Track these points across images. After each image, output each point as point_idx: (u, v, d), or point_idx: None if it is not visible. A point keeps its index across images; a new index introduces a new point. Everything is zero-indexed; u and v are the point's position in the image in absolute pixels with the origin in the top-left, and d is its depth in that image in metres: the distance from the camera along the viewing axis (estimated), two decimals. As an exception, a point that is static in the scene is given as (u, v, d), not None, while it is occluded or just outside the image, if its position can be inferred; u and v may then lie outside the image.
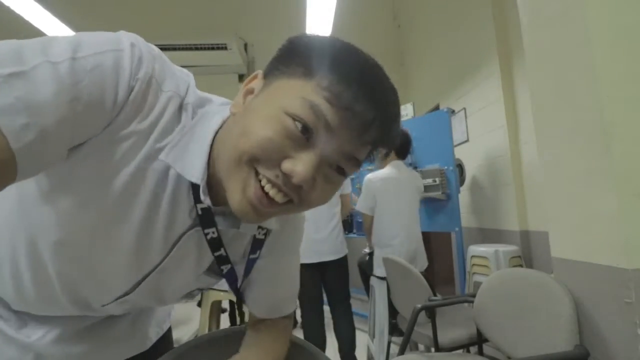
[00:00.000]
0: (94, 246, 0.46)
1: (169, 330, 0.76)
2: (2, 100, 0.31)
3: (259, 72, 0.45)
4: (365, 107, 0.39)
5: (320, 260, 2.14)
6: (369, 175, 2.33)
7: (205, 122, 0.46)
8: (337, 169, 0.42)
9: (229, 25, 4.54)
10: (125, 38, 0.41)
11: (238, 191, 0.41)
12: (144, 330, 0.68)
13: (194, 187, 0.45)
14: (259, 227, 0.55)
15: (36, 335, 0.55)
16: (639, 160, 0.91)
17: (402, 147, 2.33)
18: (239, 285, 0.59)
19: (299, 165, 0.39)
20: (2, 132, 0.31)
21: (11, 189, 0.44)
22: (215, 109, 0.48)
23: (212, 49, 4.18)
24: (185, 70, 0.48)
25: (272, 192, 0.40)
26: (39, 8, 3.42)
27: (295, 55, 0.42)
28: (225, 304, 2.55)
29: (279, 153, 0.39)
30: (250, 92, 0.45)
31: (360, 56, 0.42)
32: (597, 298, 0.99)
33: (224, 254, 0.52)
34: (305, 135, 0.39)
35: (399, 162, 2.35)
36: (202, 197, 0.44)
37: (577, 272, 1.04)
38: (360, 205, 2.33)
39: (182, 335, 2.99)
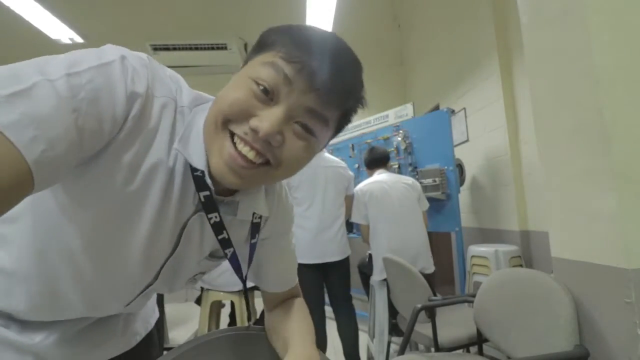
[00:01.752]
0: (114, 247, 0.49)
1: (155, 327, 0.79)
2: (8, 117, 0.33)
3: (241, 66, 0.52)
4: (312, 57, 0.44)
5: (324, 261, 2.14)
6: (357, 186, 2.40)
7: (200, 115, 0.50)
8: (305, 128, 0.46)
9: (229, 25, 4.54)
10: (114, 51, 0.43)
11: (216, 155, 0.45)
12: (133, 327, 0.71)
13: (195, 177, 0.49)
14: (254, 214, 0.59)
15: (39, 337, 0.57)
16: (639, 160, 0.91)
17: (372, 161, 2.49)
18: (244, 273, 0.63)
19: (264, 120, 0.43)
20: (15, 146, 0.33)
21: (25, 209, 0.48)
22: (208, 104, 0.52)
23: (212, 49, 4.18)
24: (173, 72, 0.52)
25: (244, 150, 0.44)
26: (39, 8, 3.42)
27: (261, 41, 0.48)
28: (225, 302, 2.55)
29: (247, 111, 0.44)
30: None
31: (314, 28, 0.48)
32: (597, 298, 0.99)
33: (227, 236, 0.56)
34: (268, 96, 0.44)
35: (384, 170, 2.46)
36: (207, 180, 0.48)
37: (577, 272, 1.04)
38: (354, 216, 2.37)
39: (182, 335, 2.99)
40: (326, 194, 2.21)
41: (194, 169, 0.48)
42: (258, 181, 0.49)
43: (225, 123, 0.44)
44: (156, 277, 0.56)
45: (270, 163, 0.46)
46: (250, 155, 0.44)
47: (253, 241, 0.61)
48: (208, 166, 0.47)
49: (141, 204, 0.47)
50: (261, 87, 0.43)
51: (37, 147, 0.34)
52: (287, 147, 0.45)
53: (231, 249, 0.58)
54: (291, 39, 0.45)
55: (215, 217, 0.53)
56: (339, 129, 0.52)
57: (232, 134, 0.45)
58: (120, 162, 0.43)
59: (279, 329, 0.64)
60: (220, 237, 0.55)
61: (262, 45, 0.47)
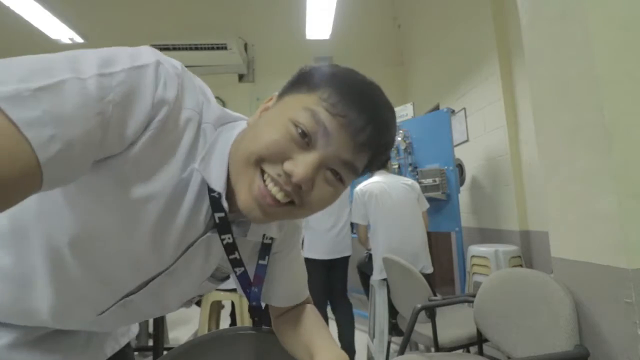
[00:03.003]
0: (106, 246, 0.48)
1: (128, 346, 0.73)
2: (30, 113, 0.32)
3: (275, 94, 0.52)
4: (358, 114, 0.44)
5: (332, 257, 2.24)
6: (357, 186, 2.42)
7: (225, 136, 0.50)
8: (335, 175, 0.46)
9: (229, 25, 4.54)
10: (150, 55, 0.43)
11: (245, 189, 0.46)
12: (99, 344, 0.66)
13: (212, 198, 0.49)
14: (264, 235, 0.59)
15: None
16: (639, 160, 0.91)
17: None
18: (250, 290, 0.62)
19: (299, 165, 0.43)
20: (30, 144, 0.32)
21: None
22: (233, 124, 0.52)
23: (212, 49, 4.19)
24: (202, 83, 0.51)
25: (274, 190, 0.44)
26: (39, 8, 3.42)
27: (302, 78, 0.48)
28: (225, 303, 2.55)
29: (283, 154, 0.44)
30: (266, 109, 0.51)
31: (357, 75, 0.48)
32: (597, 298, 0.99)
33: (238, 257, 0.56)
34: (305, 139, 0.44)
35: (383, 170, 2.47)
36: (223, 204, 0.48)
37: (577, 272, 1.04)
38: (354, 216, 2.41)
39: (182, 335, 2.99)
40: None
41: (210, 189, 0.48)
42: (280, 217, 0.49)
43: (259, 161, 0.45)
44: (140, 288, 0.53)
45: (295, 203, 0.46)
46: (279, 196, 0.44)
47: (263, 262, 0.61)
48: (225, 188, 0.47)
49: (145, 211, 0.45)
50: (299, 130, 0.43)
51: (53, 147, 0.33)
52: (315, 192, 0.46)
53: (242, 268, 0.58)
54: (337, 88, 0.45)
55: (229, 238, 0.53)
56: (362, 173, 0.52)
57: (263, 171, 0.45)
58: (134, 165, 0.42)
59: (296, 333, 0.62)
60: (231, 257, 0.55)
61: (303, 83, 0.47)
